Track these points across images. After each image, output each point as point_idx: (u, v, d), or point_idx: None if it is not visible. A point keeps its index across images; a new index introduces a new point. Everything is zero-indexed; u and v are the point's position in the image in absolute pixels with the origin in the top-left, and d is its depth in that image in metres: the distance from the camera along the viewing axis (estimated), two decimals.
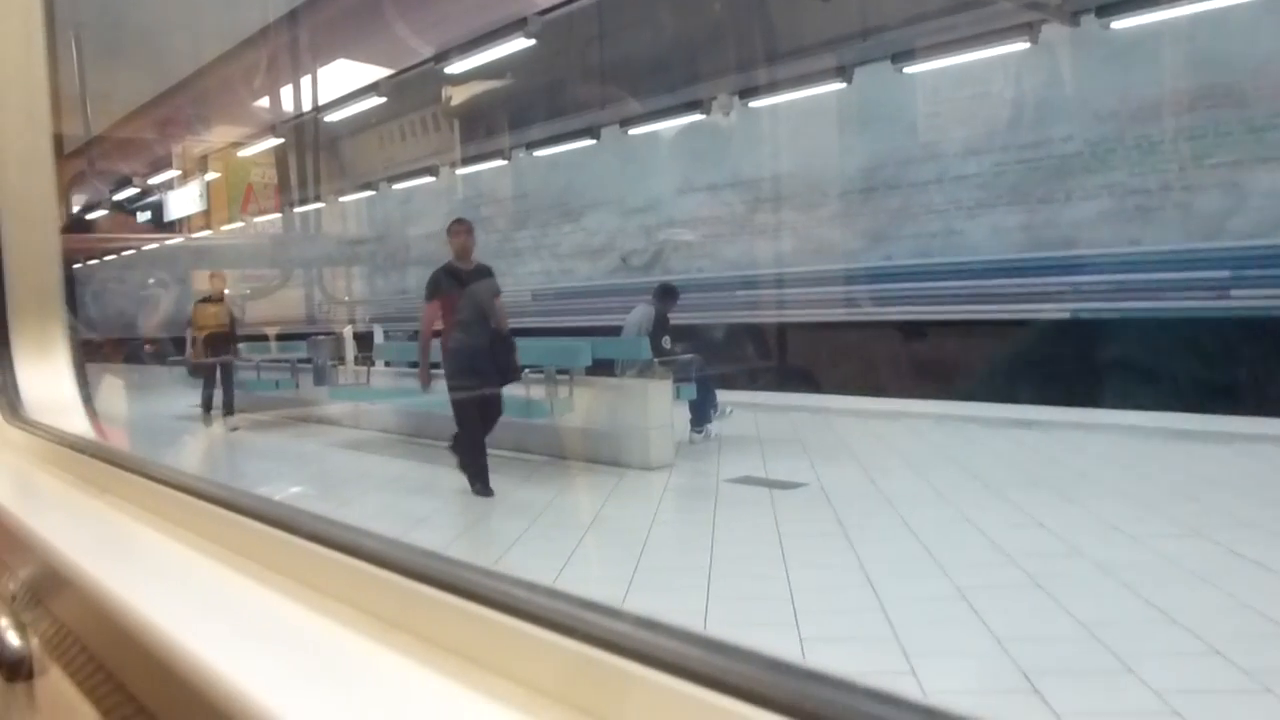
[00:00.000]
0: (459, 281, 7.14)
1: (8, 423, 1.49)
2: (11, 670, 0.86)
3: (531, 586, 0.53)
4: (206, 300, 12.35)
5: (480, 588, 0.54)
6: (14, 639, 0.87)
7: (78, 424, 1.50)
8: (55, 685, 0.81)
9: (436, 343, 7.35)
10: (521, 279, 18.94)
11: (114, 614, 0.66)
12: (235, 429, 11.45)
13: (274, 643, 0.60)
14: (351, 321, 18.54)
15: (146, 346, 20.81)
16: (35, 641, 0.87)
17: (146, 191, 29.21)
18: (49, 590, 0.84)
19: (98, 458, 1.10)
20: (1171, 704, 3.07)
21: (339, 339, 13.10)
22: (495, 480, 7.52)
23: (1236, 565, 4.59)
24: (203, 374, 12.25)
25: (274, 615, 0.64)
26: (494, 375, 7.23)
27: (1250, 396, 9.26)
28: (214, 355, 11.95)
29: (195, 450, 10.80)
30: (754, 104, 14.33)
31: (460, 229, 7.41)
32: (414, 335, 17.00)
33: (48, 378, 1.60)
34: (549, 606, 0.50)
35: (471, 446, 7.22)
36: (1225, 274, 10.05)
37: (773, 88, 13.64)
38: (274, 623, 0.62)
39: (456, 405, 7.25)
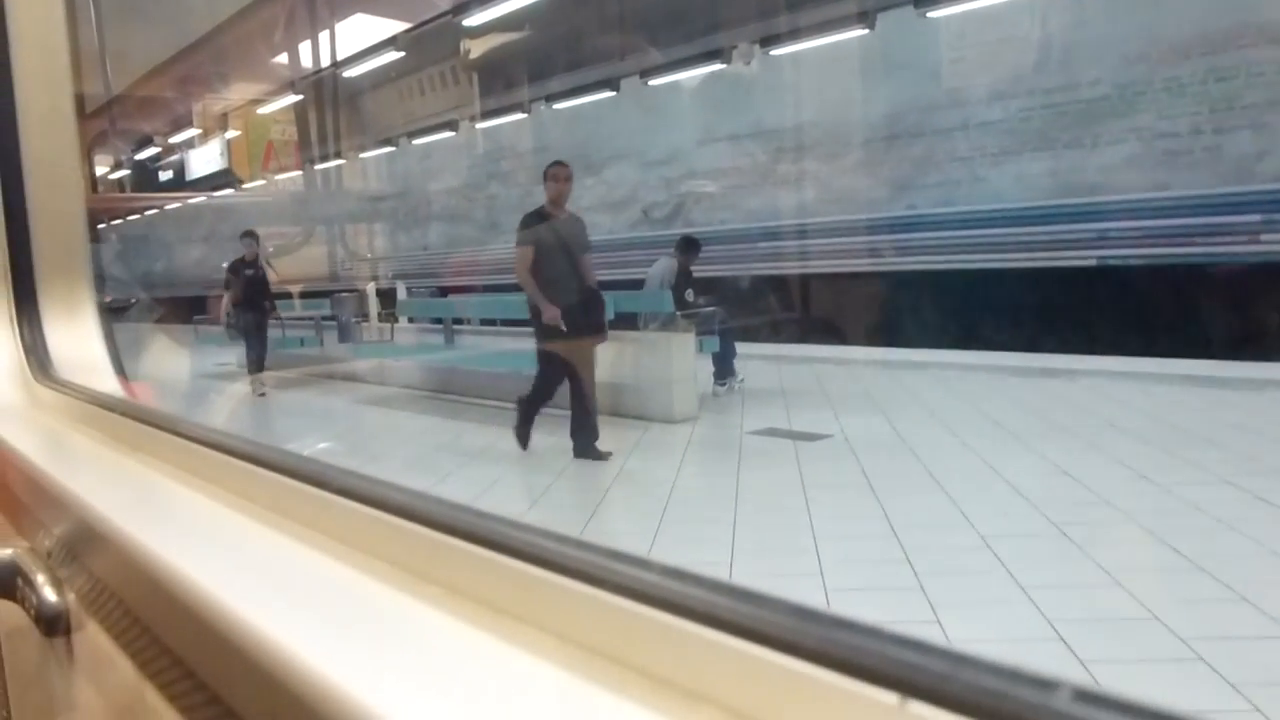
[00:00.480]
0: (552, 230, 6.68)
1: (38, 382, 1.51)
2: (50, 625, 0.88)
3: (560, 538, 0.53)
4: (241, 262, 11.76)
5: (509, 539, 0.54)
6: (51, 595, 0.89)
7: (106, 383, 1.51)
8: (92, 640, 0.82)
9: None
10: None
11: (148, 569, 0.67)
12: (262, 392, 11.18)
13: (305, 595, 0.60)
14: (374, 278, 18.60)
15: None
16: (72, 597, 0.88)
17: (168, 150, 29.30)
18: (84, 547, 0.86)
19: (128, 416, 1.11)
20: (1196, 650, 3.08)
21: (362, 296, 13.16)
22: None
23: (1265, 512, 4.57)
24: (241, 334, 11.75)
25: (305, 568, 0.64)
26: (587, 331, 6.78)
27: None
28: (251, 315, 11.39)
29: (240, 410, 10.87)
30: (775, 52, 14.17)
31: (560, 173, 6.78)
32: (437, 292, 17.09)
33: (76, 338, 1.61)
34: (577, 557, 0.51)
35: (538, 402, 6.95)
36: (1256, 218, 9.91)
37: (794, 35, 13.48)
38: (305, 576, 0.63)
39: (544, 360, 6.90)
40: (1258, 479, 5.11)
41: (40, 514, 1.00)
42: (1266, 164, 10.01)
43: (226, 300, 11.45)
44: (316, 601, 0.59)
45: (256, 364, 11.33)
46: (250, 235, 11.55)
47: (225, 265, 11.77)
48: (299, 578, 0.63)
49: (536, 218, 6.74)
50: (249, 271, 11.27)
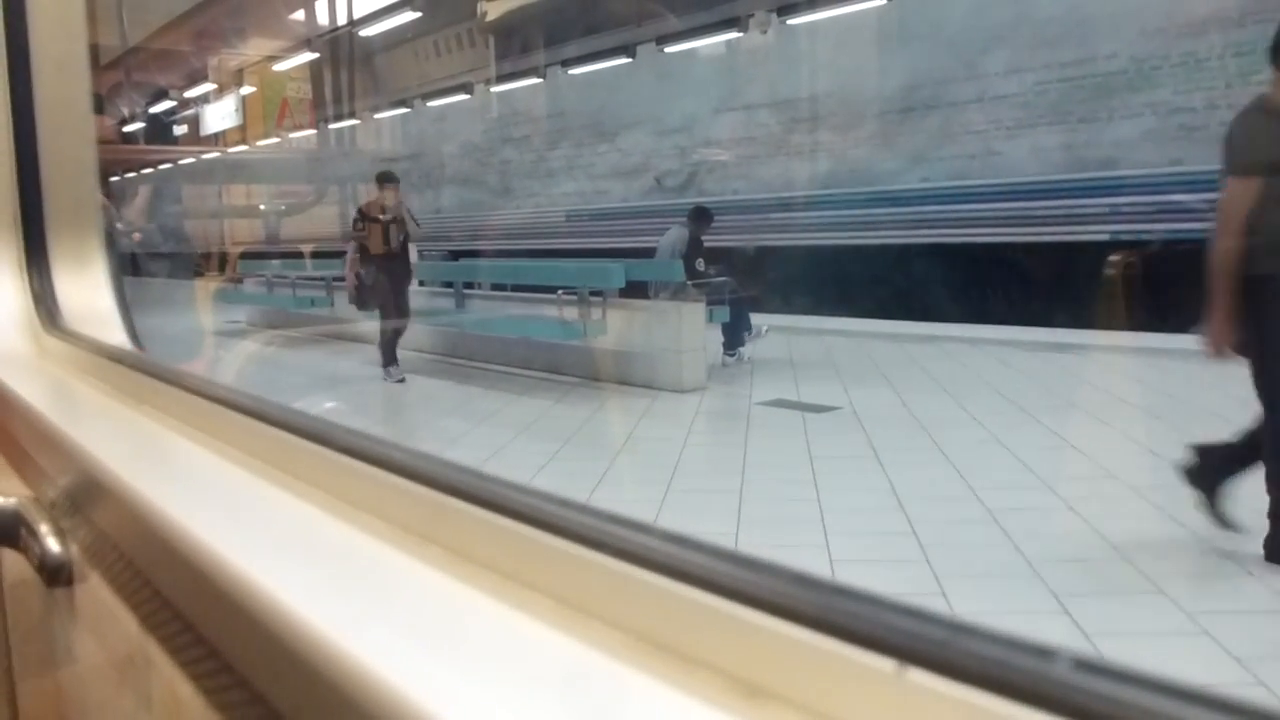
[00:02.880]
0: None
1: (47, 332, 1.51)
2: (52, 575, 0.88)
3: (562, 501, 0.53)
4: (373, 210, 9.12)
5: (510, 501, 0.54)
6: (54, 545, 0.89)
7: (115, 335, 1.51)
8: (95, 591, 0.82)
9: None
10: (556, 199, 18.84)
11: (151, 523, 0.67)
12: (400, 379, 8.88)
13: (307, 552, 0.60)
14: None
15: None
16: (75, 548, 0.88)
17: (183, 104, 29.26)
18: (88, 498, 0.86)
19: (136, 368, 1.11)
20: (1201, 625, 3.08)
21: None
22: (527, 401, 7.60)
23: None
24: (375, 304, 9.18)
25: (307, 526, 0.64)
26: None
27: None
28: (389, 281, 9.03)
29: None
30: (792, 21, 14.07)
31: None
32: (450, 255, 17.05)
33: (86, 289, 1.60)
34: (578, 521, 0.50)
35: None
36: None
37: (812, 4, 13.39)
38: (307, 533, 0.63)
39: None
40: None
41: (45, 464, 1.00)
42: None
43: (352, 260, 9.16)
44: (319, 559, 0.59)
45: (390, 346, 9.02)
46: (389, 179, 9.22)
47: (354, 214, 9.39)
48: (301, 535, 0.63)
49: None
50: (385, 221, 8.93)
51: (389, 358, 8.99)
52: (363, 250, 9.01)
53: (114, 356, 1.20)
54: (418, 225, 9.13)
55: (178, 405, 0.95)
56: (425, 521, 0.58)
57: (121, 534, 0.77)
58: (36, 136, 1.63)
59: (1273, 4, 9.94)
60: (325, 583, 0.54)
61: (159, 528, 0.66)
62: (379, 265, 8.92)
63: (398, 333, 9.16)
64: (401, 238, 9.05)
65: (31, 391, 1.16)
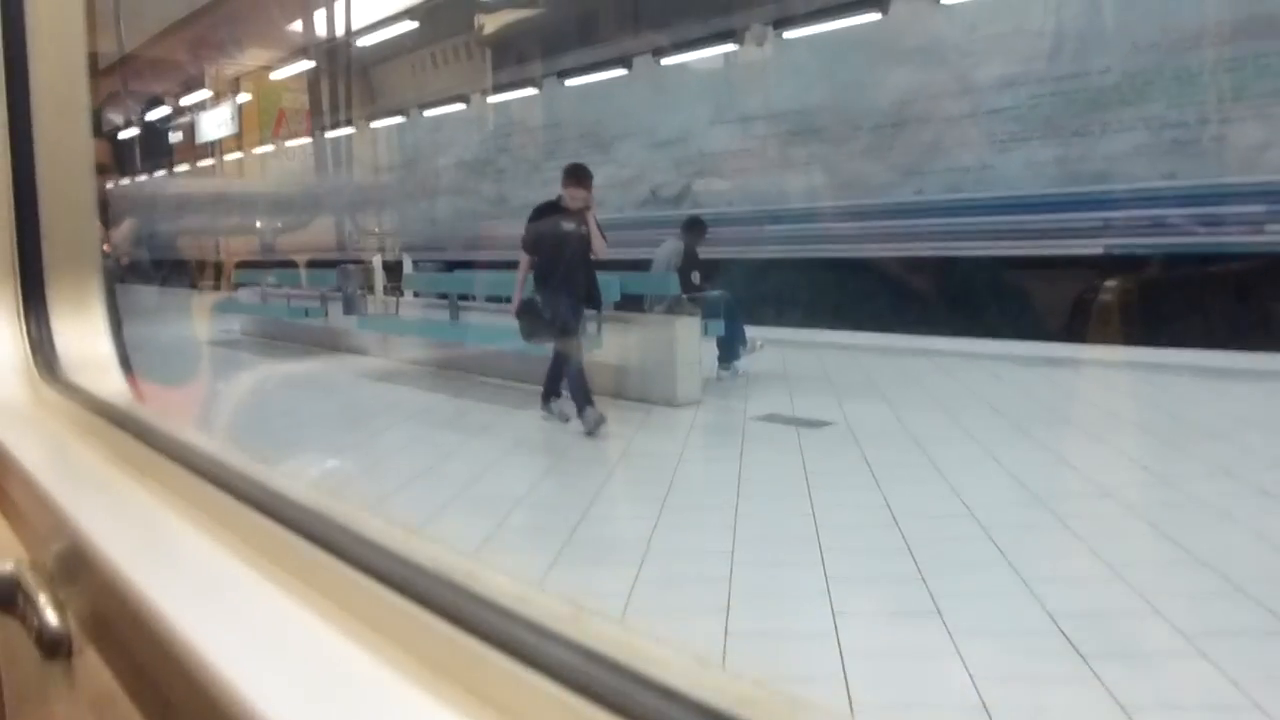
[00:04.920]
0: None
1: (44, 382, 1.49)
2: (50, 648, 0.87)
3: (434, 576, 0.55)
4: (554, 211, 7.27)
5: (482, 624, 0.55)
6: (52, 618, 0.88)
7: (114, 384, 1.50)
8: (92, 667, 0.82)
9: None
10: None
11: (143, 611, 0.67)
12: (592, 430, 6.91)
13: (312, 672, 0.59)
14: (381, 250, 18.59)
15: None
16: (72, 620, 0.88)
17: (178, 112, 29.25)
18: (82, 570, 0.85)
19: (139, 438, 1.09)
20: (1198, 646, 3.09)
21: (368, 269, 13.15)
22: (521, 414, 7.60)
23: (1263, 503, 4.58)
24: (550, 335, 7.26)
25: (317, 643, 0.63)
26: None
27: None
28: (567, 300, 7.12)
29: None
30: (788, 34, 14.11)
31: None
32: (445, 267, 17.06)
33: (85, 336, 1.58)
34: (438, 592, 0.52)
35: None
36: (1260, 209, 9.88)
37: (808, 18, 13.44)
38: (315, 651, 0.62)
39: None
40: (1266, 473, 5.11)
41: (39, 526, 1.00)
42: (1272, 154, 9.97)
43: (524, 274, 7.33)
44: (307, 670, 0.59)
45: (582, 390, 7.03)
46: (579, 175, 7.30)
47: (531, 214, 7.48)
48: (309, 653, 0.61)
49: None
50: (569, 228, 7.12)
51: (552, 391, 7.42)
52: (539, 268, 7.23)
53: (115, 418, 1.19)
54: (604, 237, 7.32)
55: (182, 485, 0.94)
56: (445, 657, 0.57)
57: (115, 614, 0.76)
58: (35, 176, 1.62)
59: (1264, 19, 10.00)
60: (315, 697, 0.54)
61: (151, 619, 0.66)
62: (557, 288, 7.09)
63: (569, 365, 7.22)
64: (585, 249, 7.26)
65: (28, 449, 1.16)
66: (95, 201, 1.72)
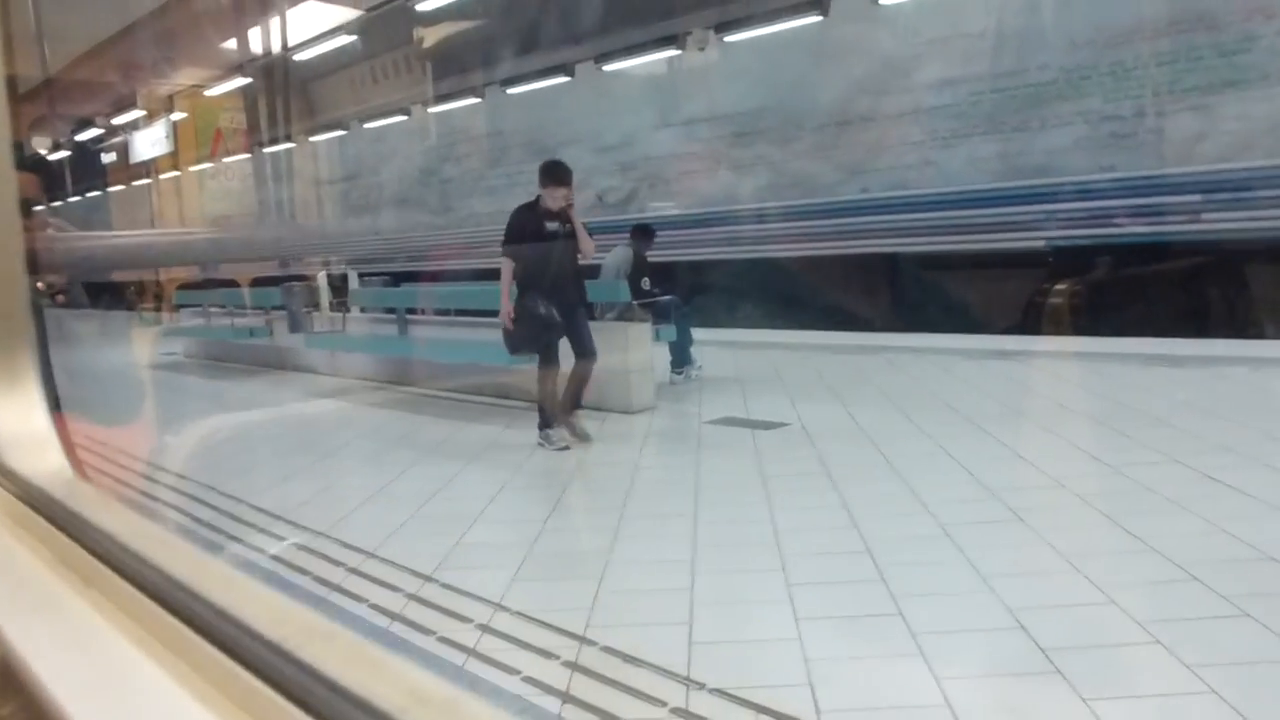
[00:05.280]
0: None
1: None
2: None
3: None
4: (535, 213, 6.78)
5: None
6: None
7: (53, 463, 1.37)
8: None
9: None
10: (496, 218, 18.76)
11: None
12: (564, 446, 6.76)
13: None
14: (326, 265, 18.41)
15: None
16: None
17: (111, 132, 28.75)
18: (10, 693, 0.77)
19: (83, 545, 0.98)
20: (1153, 633, 3.14)
21: (313, 286, 13.01)
22: (475, 426, 7.56)
23: (1212, 489, 4.66)
24: (536, 347, 6.81)
25: None
26: None
27: (1220, 319, 9.41)
28: (559, 306, 6.71)
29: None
30: (730, 38, 14.18)
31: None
32: (391, 279, 16.93)
33: (19, 412, 1.43)
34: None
35: None
36: (1197, 199, 10.09)
37: (748, 21, 13.52)
38: None
39: None
40: (1207, 457, 5.20)
41: None
42: (1205, 145, 10.19)
43: (508, 282, 6.77)
44: None
45: (574, 400, 6.97)
46: (557, 173, 6.80)
47: (510, 217, 6.95)
48: None
49: None
50: (552, 229, 6.71)
51: (548, 417, 6.86)
52: (522, 274, 6.77)
53: (53, 515, 1.06)
54: (590, 236, 6.86)
55: (130, 604, 0.84)
56: None
57: None
58: None
59: (1194, 14, 10.21)
60: None
61: None
62: (546, 293, 6.70)
63: (579, 381, 6.99)
64: (572, 253, 6.84)
65: None
66: (22, 253, 1.57)
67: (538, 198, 6.81)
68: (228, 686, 0.66)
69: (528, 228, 6.74)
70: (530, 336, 6.74)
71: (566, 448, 6.71)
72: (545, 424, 6.83)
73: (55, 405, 1.47)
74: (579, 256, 6.91)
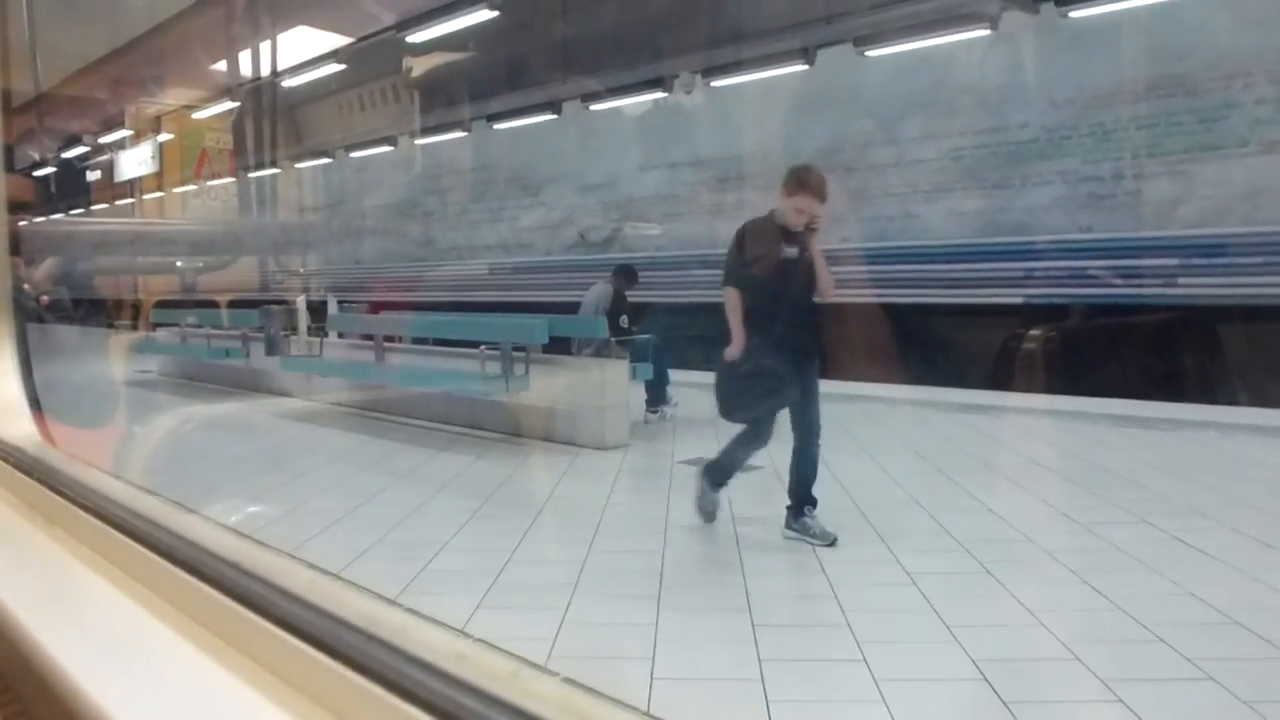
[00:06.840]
0: None
1: None
2: None
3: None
4: (770, 233, 5.11)
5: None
6: None
7: (23, 428, 1.41)
8: None
9: None
10: (479, 252, 18.80)
11: (49, 671, 0.63)
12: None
13: None
14: (305, 290, 18.36)
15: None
16: None
17: (97, 150, 28.71)
18: None
19: (47, 485, 1.03)
20: (1117, 693, 3.13)
21: (292, 309, 12.94)
22: (449, 456, 7.51)
23: (1180, 551, 4.67)
24: (763, 408, 5.32)
25: (233, 702, 0.58)
26: None
27: (1193, 384, 9.47)
28: (791, 356, 5.08)
29: None
30: (716, 83, 14.31)
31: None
32: (371, 307, 16.88)
33: None
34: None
35: None
36: (1174, 262, 10.19)
37: (736, 68, 13.64)
38: (231, 711, 0.58)
39: None
40: (1177, 519, 5.22)
41: None
42: (1183, 209, 10.31)
43: (739, 315, 5.15)
44: None
45: (803, 485, 5.30)
46: (808, 181, 5.01)
47: (737, 237, 5.29)
48: (211, 703, 0.58)
49: None
50: (790, 255, 5.02)
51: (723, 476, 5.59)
52: (751, 310, 5.14)
53: (23, 466, 1.13)
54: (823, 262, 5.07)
55: (91, 534, 0.88)
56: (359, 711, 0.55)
57: (13, 668, 0.71)
58: None
59: (1174, 80, 10.37)
60: None
61: (50, 672, 0.61)
62: (777, 343, 5.05)
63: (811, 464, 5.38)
64: (809, 283, 5.07)
65: None
66: (6, 237, 1.64)
67: (771, 212, 5.19)
68: (177, 596, 0.71)
69: (761, 251, 5.09)
70: (753, 402, 5.24)
71: (820, 541, 5.00)
72: (718, 483, 5.58)
73: (29, 376, 1.51)
74: (816, 295, 5.11)
